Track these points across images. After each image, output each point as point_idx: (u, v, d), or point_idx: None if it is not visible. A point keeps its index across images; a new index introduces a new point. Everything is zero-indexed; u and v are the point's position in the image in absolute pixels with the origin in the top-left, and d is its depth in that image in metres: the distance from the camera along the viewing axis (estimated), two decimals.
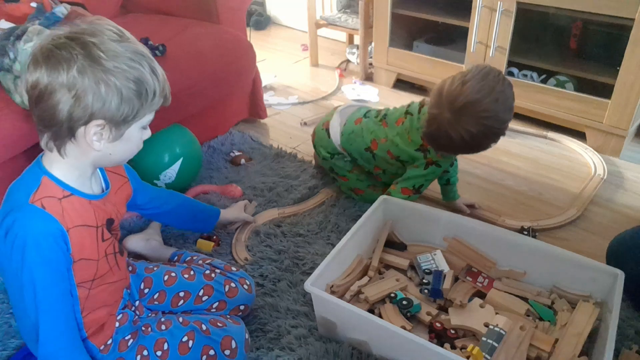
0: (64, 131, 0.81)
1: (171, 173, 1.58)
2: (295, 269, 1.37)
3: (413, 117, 1.42)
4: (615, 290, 1.09)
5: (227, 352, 1.04)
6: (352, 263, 1.29)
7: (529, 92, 2.02)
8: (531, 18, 2.02)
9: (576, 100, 1.91)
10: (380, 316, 1.15)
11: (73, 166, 0.88)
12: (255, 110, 2.14)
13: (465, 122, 1.23)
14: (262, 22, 3.39)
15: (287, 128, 2.17)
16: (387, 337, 1.06)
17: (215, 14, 1.89)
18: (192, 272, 1.17)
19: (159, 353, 1.00)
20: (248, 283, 1.19)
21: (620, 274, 1.12)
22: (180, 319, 1.07)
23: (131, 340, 1.01)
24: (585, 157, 1.90)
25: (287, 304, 1.25)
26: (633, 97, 1.76)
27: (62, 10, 1.48)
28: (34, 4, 1.51)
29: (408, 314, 1.15)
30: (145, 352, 1.00)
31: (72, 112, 0.79)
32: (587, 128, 1.94)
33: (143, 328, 1.04)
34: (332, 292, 1.19)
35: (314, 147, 1.68)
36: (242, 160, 1.86)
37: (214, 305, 1.15)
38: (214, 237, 1.46)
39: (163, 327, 1.04)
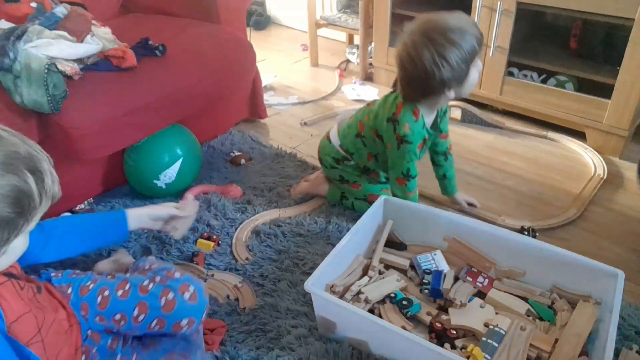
0: None
1: (171, 173, 1.58)
2: (295, 269, 1.37)
3: (395, 92, 1.41)
4: (615, 290, 1.09)
5: None
6: (352, 263, 1.29)
7: (529, 92, 2.02)
8: (531, 18, 2.02)
9: (576, 100, 1.91)
10: (380, 316, 1.15)
11: None
12: (255, 110, 2.14)
13: (435, 43, 1.20)
14: (262, 22, 3.39)
15: (287, 128, 2.17)
16: (387, 337, 1.06)
17: (215, 14, 1.89)
18: (127, 287, 1.01)
19: (120, 292, 0.99)
20: (192, 289, 0.99)
21: (620, 274, 1.12)
22: None
23: (92, 286, 1.00)
24: (585, 157, 1.90)
25: (287, 304, 1.25)
26: (633, 97, 1.76)
27: (62, 10, 1.48)
28: (34, 4, 1.51)
29: (408, 314, 1.15)
30: (106, 293, 1.00)
31: None
32: (587, 128, 1.94)
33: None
34: (332, 292, 1.19)
35: (320, 161, 1.63)
36: (242, 160, 1.86)
37: (152, 325, 0.98)
38: (214, 236, 1.46)
39: None
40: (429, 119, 1.40)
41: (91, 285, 1.03)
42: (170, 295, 0.98)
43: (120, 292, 1.00)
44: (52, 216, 1.07)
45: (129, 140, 1.52)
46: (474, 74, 1.28)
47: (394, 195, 1.45)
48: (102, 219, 1.25)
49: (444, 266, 1.27)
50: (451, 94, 1.28)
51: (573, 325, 1.10)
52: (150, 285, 1.00)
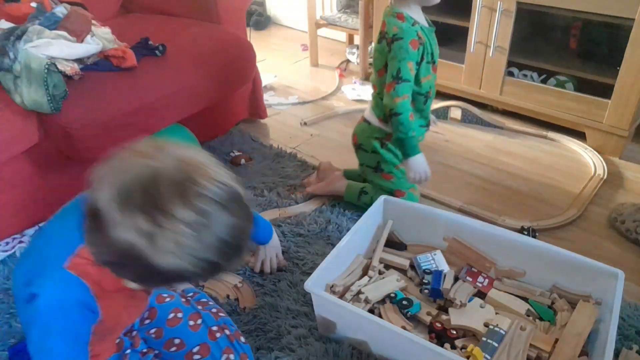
0: None
1: None
2: (295, 269, 1.37)
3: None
4: (615, 290, 1.09)
5: None
6: (352, 263, 1.29)
7: (529, 92, 2.02)
8: (531, 18, 2.02)
9: (576, 100, 1.91)
10: (380, 316, 1.15)
11: None
12: (255, 110, 2.14)
13: None
14: (262, 22, 3.39)
15: (287, 128, 2.16)
16: (387, 337, 1.06)
17: (215, 14, 1.89)
18: (199, 321, 1.04)
19: None
20: None
21: (620, 274, 1.12)
22: None
23: None
24: (585, 157, 1.90)
25: (287, 304, 1.25)
26: (633, 97, 1.76)
27: (62, 10, 1.48)
28: (34, 4, 1.51)
29: (408, 314, 1.15)
30: None
31: None
32: (587, 128, 1.94)
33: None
34: (332, 292, 1.19)
35: (359, 147, 1.56)
36: (242, 160, 1.86)
37: None
38: None
39: None
40: (420, 19, 1.37)
41: (168, 299, 1.05)
42: (232, 357, 1.02)
43: (192, 323, 1.03)
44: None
45: (129, 140, 1.52)
46: None
47: (385, 106, 1.36)
48: None
49: (444, 266, 1.27)
50: None
51: (573, 325, 1.10)
52: (218, 334, 1.03)
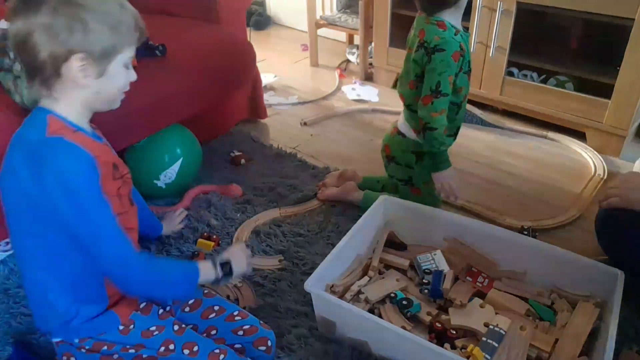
0: (50, 72, 0.85)
1: (171, 173, 1.58)
2: (295, 269, 1.37)
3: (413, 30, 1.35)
4: (615, 290, 1.09)
5: None
6: (352, 263, 1.29)
7: (529, 92, 2.02)
8: (531, 18, 2.02)
9: (576, 100, 1.91)
10: (380, 316, 1.15)
11: (71, 108, 0.90)
12: (255, 110, 2.14)
13: None
14: (262, 22, 3.39)
15: (287, 128, 2.17)
16: (387, 337, 1.06)
17: (215, 14, 1.89)
18: (195, 348, 1.01)
19: (186, 352, 0.95)
20: (269, 344, 1.05)
21: (620, 274, 1.12)
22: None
23: (156, 332, 0.98)
24: (585, 157, 1.90)
25: (287, 304, 1.25)
26: (633, 97, 1.76)
27: None
28: None
29: (408, 314, 1.15)
30: (171, 346, 0.96)
31: (51, 50, 0.83)
32: (587, 128, 1.94)
33: (176, 327, 1.00)
34: (332, 292, 1.19)
35: (391, 161, 1.50)
36: (242, 160, 1.86)
37: (244, 328, 1.04)
38: (214, 236, 1.46)
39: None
40: (459, 24, 1.32)
41: (156, 332, 0.99)
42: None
43: (187, 352, 0.97)
44: None
45: (129, 140, 1.52)
46: None
47: (420, 119, 1.32)
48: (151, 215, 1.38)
49: (444, 266, 1.27)
50: None
51: (573, 325, 1.10)
52: (222, 357, 0.96)
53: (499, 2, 1.91)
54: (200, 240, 1.45)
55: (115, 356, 0.96)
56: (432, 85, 1.28)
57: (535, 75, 2.05)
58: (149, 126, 1.54)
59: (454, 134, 1.45)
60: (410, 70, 1.36)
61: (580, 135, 1.97)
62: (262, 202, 1.64)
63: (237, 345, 1.02)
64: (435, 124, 1.30)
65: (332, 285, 1.20)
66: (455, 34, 1.28)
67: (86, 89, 0.88)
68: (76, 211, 0.85)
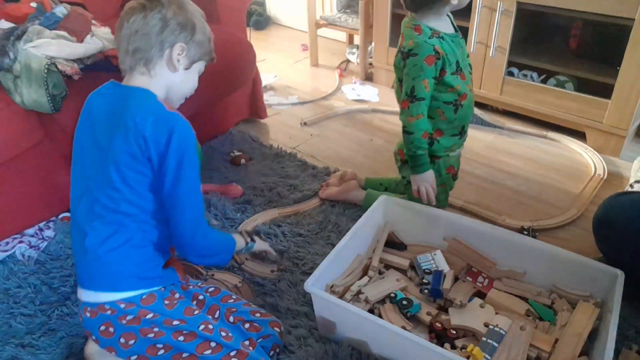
0: (154, 52, 1.03)
1: None
2: (295, 269, 1.37)
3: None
4: (615, 290, 1.09)
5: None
6: (352, 263, 1.29)
7: (529, 92, 2.02)
8: (531, 18, 2.02)
9: (576, 100, 1.91)
10: (380, 316, 1.15)
11: (160, 90, 1.07)
12: (255, 110, 2.14)
13: None
14: (262, 22, 3.39)
15: (287, 128, 2.17)
16: (387, 337, 1.06)
17: (215, 14, 1.89)
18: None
19: (223, 334, 1.02)
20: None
21: (620, 274, 1.12)
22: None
23: (197, 312, 1.05)
24: (585, 157, 1.90)
25: (287, 304, 1.25)
26: (633, 97, 1.76)
27: (62, 10, 1.48)
28: (34, 4, 1.51)
29: (408, 314, 1.15)
30: (210, 327, 1.02)
31: (163, 36, 1.03)
32: (587, 128, 1.94)
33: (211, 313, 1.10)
34: (332, 292, 1.19)
35: (405, 163, 1.45)
36: (242, 160, 1.86)
37: (261, 312, 1.14)
38: None
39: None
40: (442, 27, 1.30)
41: (196, 312, 1.07)
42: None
43: (223, 334, 1.04)
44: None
45: None
46: None
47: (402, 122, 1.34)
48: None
49: (444, 266, 1.27)
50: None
51: (573, 325, 1.10)
52: (250, 349, 1.04)
53: (499, 2, 1.91)
54: None
55: (156, 329, 1.00)
56: (407, 90, 1.28)
57: (535, 75, 2.05)
58: None
59: (458, 134, 1.43)
60: (397, 75, 1.37)
61: (580, 135, 1.97)
62: (262, 202, 1.64)
63: (255, 324, 1.10)
64: (412, 128, 1.30)
65: (332, 285, 1.20)
66: (430, 37, 1.26)
67: (175, 74, 1.07)
68: (183, 174, 1.01)
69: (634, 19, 1.66)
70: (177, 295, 1.07)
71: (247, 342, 1.05)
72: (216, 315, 1.09)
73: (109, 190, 1.01)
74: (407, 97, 1.29)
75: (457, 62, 1.31)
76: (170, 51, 1.04)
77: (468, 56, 1.40)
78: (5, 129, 1.31)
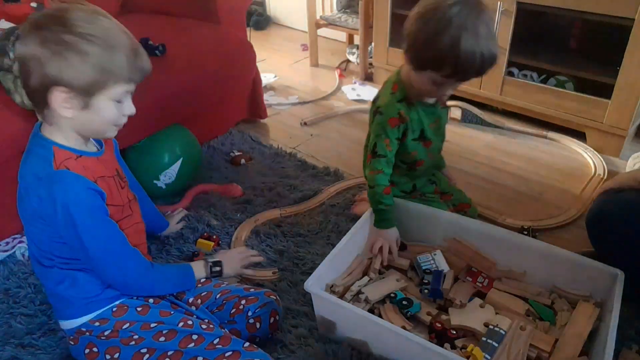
0: (40, 99, 0.91)
1: (171, 173, 1.58)
2: (295, 269, 1.37)
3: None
4: (615, 290, 1.09)
5: None
6: (352, 263, 1.29)
7: (529, 92, 2.02)
8: (531, 18, 2.02)
9: (576, 100, 1.91)
10: (380, 316, 1.15)
11: (67, 133, 0.96)
12: (255, 110, 2.14)
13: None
14: (262, 22, 3.39)
15: (287, 128, 2.17)
16: (387, 337, 1.06)
17: (215, 14, 1.89)
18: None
19: (203, 326, 1.03)
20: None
21: (620, 274, 1.12)
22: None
23: (173, 312, 1.06)
24: (585, 157, 1.90)
25: (287, 304, 1.25)
26: (633, 97, 1.76)
27: None
28: (34, 4, 1.51)
29: (408, 314, 1.15)
30: (189, 322, 1.03)
31: (38, 80, 0.88)
32: (587, 128, 1.94)
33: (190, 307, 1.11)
34: (332, 292, 1.19)
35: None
36: (242, 160, 1.86)
37: (255, 289, 1.17)
38: (214, 236, 1.46)
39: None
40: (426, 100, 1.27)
41: (173, 312, 1.06)
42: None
43: (204, 326, 1.04)
44: None
45: (129, 141, 1.52)
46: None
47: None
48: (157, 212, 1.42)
49: (444, 266, 1.27)
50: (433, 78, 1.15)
51: (573, 325, 1.10)
52: (233, 338, 1.02)
53: (499, 2, 1.91)
54: (200, 240, 1.45)
55: (136, 336, 1.00)
56: (371, 145, 1.30)
57: (535, 75, 2.05)
58: (149, 126, 1.54)
59: (409, 192, 1.42)
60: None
61: (580, 135, 1.97)
62: (262, 202, 1.64)
63: (250, 297, 1.13)
64: (372, 182, 1.29)
65: (332, 285, 1.20)
66: (400, 100, 1.25)
67: (71, 119, 0.93)
68: (83, 237, 0.94)
69: (634, 19, 1.66)
70: (151, 300, 1.07)
71: (227, 330, 1.07)
72: (209, 301, 1.13)
73: (34, 239, 1.02)
74: (370, 151, 1.30)
75: (422, 130, 1.30)
76: (51, 97, 0.89)
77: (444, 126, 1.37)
78: (5, 129, 1.31)
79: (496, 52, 1.11)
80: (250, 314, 1.11)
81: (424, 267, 1.27)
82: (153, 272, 1.07)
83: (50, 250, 1.00)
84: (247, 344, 1.00)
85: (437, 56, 1.10)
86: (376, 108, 1.29)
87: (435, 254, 1.30)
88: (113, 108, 0.95)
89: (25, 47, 0.88)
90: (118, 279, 1.02)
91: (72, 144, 0.97)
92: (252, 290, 1.16)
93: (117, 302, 1.04)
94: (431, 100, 1.29)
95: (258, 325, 1.12)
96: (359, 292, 1.20)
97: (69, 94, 0.89)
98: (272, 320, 1.14)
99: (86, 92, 0.90)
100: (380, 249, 1.28)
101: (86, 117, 0.93)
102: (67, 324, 1.05)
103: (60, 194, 0.91)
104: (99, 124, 0.96)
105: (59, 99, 0.89)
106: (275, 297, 1.16)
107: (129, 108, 0.98)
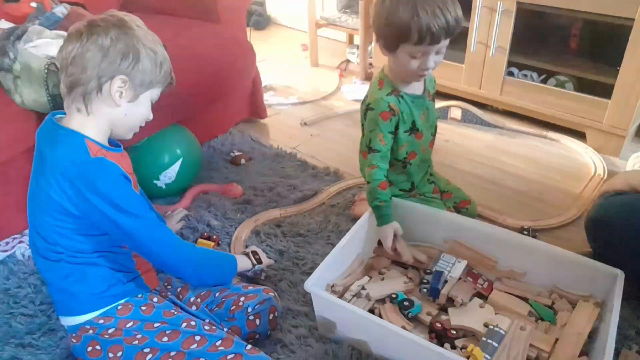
0: (92, 87, 0.96)
1: (171, 173, 1.58)
2: (295, 269, 1.37)
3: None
4: (615, 290, 1.09)
5: None
6: (352, 263, 1.29)
7: (529, 92, 2.02)
8: (531, 18, 2.02)
9: (576, 100, 1.91)
10: (380, 316, 1.15)
11: (98, 127, 1.01)
12: (255, 110, 2.14)
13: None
14: (262, 22, 3.39)
15: (287, 128, 2.17)
16: (387, 337, 1.06)
17: (215, 14, 1.89)
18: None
19: (207, 327, 1.03)
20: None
21: (620, 274, 1.12)
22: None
23: (176, 313, 1.06)
24: (585, 157, 1.90)
25: (287, 304, 1.25)
26: (633, 97, 1.76)
27: (62, 10, 1.49)
28: (34, 4, 1.51)
29: (409, 315, 1.15)
30: (193, 323, 1.04)
31: (101, 69, 0.95)
32: (587, 128, 1.94)
33: (193, 308, 1.13)
34: (333, 292, 1.19)
35: None
36: (242, 160, 1.86)
37: (253, 288, 1.19)
38: (214, 236, 1.46)
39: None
40: (409, 87, 1.30)
41: (176, 313, 1.07)
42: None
43: (207, 327, 1.04)
44: None
45: (129, 141, 1.52)
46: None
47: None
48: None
49: (456, 274, 1.23)
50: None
51: (573, 325, 1.10)
52: (236, 337, 1.04)
53: (499, 2, 1.91)
54: (200, 240, 1.45)
55: (139, 335, 1.00)
56: (366, 141, 1.32)
57: (535, 75, 2.05)
58: (149, 126, 1.53)
59: (407, 190, 1.43)
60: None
61: (580, 135, 1.97)
62: (262, 202, 1.64)
63: (249, 294, 1.14)
64: (368, 177, 1.31)
65: (332, 285, 1.20)
66: (389, 94, 1.27)
67: (117, 109, 1.00)
68: (126, 219, 0.98)
69: (634, 19, 1.66)
70: (155, 300, 1.08)
71: (229, 331, 1.09)
72: (209, 300, 1.14)
73: (43, 232, 1.02)
74: (366, 148, 1.32)
75: (414, 122, 1.32)
76: (110, 85, 0.97)
77: (437, 119, 1.40)
78: (5, 129, 1.31)
79: (457, 8, 1.16)
80: (250, 310, 1.12)
81: (436, 268, 1.25)
82: (204, 257, 1.13)
83: (60, 243, 1.00)
84: (249, 346, 1.00)
85: (401, 26, 1.14)
86: (366, 106, 1.31)
87: (459, 261, 1.26)
88: (149, 107, 1.07)
89: (89, 40, 0.95)
90: (171, 260, 1.05)
91: (100, 139, 1.02)
92: (250, 287, 1.17)
93: (122, 301, 1.05)
94: (419, 91, 1.32)
95: (258, 321, 1.12)
96: (362, 288, 1.20)
97: (125, 83, 0.98)
98: (271, 316, 1.14)
99: (141, 86, 1.01)
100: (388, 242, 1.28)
101: (129, 110, 1.02)
102: (71, 321, 1.05)
103: (101, 179, 0.95)
104: (134, 119, 1.06)
105: (115, 86, 0.97)
106: (273, 294, 1.18)
107: (151, 114, 1.10)
